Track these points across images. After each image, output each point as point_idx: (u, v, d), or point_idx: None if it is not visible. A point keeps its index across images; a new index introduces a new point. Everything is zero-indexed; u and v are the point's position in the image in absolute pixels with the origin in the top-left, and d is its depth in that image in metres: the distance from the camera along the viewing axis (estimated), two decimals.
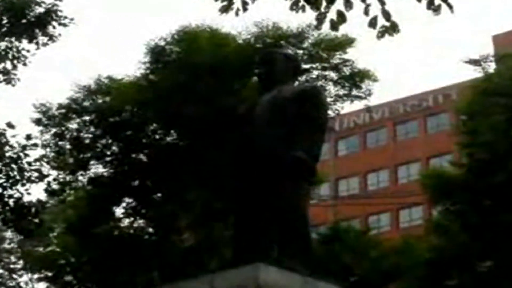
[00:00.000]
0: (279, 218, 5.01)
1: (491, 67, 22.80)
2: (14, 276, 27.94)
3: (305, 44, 20.48)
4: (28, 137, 14.66)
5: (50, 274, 24.09)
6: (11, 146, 14.50)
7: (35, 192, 57.56)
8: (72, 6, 28.06)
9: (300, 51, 20.33)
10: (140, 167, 21.85)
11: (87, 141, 21.51)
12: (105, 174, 21.88)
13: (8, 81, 15.51)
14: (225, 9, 5.75)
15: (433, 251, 21.36)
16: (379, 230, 38.78)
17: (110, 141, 21.59)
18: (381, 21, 5.56)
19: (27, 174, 14.50)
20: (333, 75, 20.87)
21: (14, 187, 14.52)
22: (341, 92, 21.08)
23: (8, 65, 15.48)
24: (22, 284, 27.68)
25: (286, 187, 5.01)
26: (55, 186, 19.31)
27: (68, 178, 21.83)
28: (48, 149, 21.27)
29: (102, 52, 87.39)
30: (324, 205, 40.11)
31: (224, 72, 19.84)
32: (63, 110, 21.19)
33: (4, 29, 15.51)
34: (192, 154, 20.79)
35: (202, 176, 21.71)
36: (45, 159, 15.58)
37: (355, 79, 20.75)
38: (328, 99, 20.48)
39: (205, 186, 22.04)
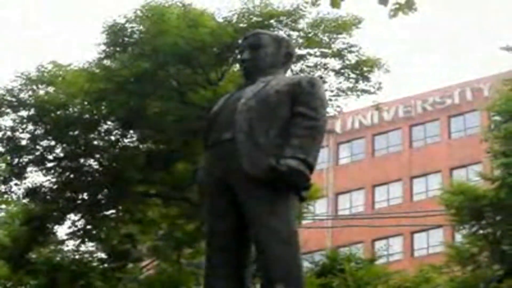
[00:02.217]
0: (261, 244, 4.99)
1: None
2: None
3: (301, 25, 20.49)
4: None
5: None
6: None
7: None
8: None
9: (295, 33, 20.35)
10: (90, 176, 21.76)
11: (24, 142, 21.41)
12: (46, 184, 21.80)
13: None
14: None
15: (457, 286, 21.41)
16: (388, 259, 38.85)
17: (53, 142, 21.51)
18: None
19: None
20: (335, 63, 20.89)
21: None
22: (345, 84, 21.11)
23: None
24: None
25: (270, 204, 4.99)
26: None
27: None
28: None
29: (46, 31, 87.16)
30: (320, 227, 40.18)
31: (199, 59, 19.82)
32: None
33: None
34: (156, 161, 20.75)
35: (168, 189, 21.68)
36: None
37: (362, 69, 20.78)
38: (328, 94, 20.50)
39: (171, 202, 22.02)
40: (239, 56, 5.75)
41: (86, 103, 20.89)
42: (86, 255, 23.26)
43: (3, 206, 23.14)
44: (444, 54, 79.01)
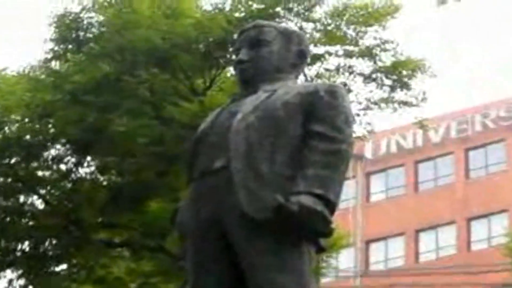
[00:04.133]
0: None
1: None
2: None
3: (318, 14, 20.60)
4: None
5: None
6: None
7: None
8: None
9: (309, 25, 20.44)
10: (33, 219, 21.78)
11: None
12: None
13: None
14: None
15: None
16: None
17: None
18: None
19: None
20: (363, 65, 20.97)
21: None
22: (377, 94, 21.19)
23: None
24: None
25: (277, 255, 5.01)
26: None
27: None
28: None
29: None
30: (346, 287, 40.13)
31: (179, 60, 19.88)
32: None
33: None
34: (122, 199, 20.77)
35: (139, 237, 21.68)
36: None
37: (400, 73, 20.81)
38: (355, 107, 20.56)
39: (143, 254, 22.01)
40: (234, 57, 5.80)
41: (27, 120, 20.92)
42: None
43: None
44: (509, 50, 79.15)
